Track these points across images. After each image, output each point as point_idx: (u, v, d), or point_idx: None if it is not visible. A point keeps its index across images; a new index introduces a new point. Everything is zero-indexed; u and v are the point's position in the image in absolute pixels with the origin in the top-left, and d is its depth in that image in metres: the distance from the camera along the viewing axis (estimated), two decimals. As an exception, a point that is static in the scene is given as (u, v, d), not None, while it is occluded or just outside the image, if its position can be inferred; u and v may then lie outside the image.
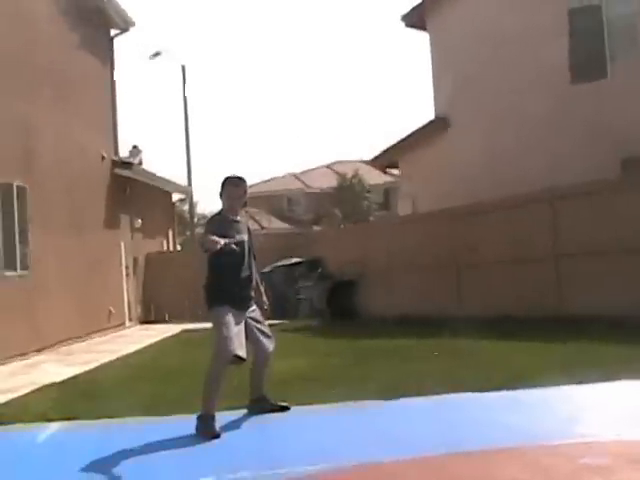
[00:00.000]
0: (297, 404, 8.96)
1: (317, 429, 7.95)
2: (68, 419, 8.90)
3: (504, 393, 9.22)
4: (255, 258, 8.52)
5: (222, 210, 8.37)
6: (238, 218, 8.38)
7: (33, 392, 11.22)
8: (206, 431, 7.60)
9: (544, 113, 21.30)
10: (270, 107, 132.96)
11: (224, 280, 8.00)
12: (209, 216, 9.36)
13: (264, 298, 8.70)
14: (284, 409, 8.67)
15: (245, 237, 8.30)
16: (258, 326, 8.38)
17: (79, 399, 10.29)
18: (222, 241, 7.53)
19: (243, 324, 8.06)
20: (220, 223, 8.13)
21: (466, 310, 19.68)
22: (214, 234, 7.74)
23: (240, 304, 8.12)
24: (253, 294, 8.42)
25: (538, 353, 12.18)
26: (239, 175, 8.41)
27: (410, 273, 22.47)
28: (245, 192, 8.46)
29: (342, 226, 50.63)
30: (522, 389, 9.32)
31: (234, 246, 7.65)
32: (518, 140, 22.01)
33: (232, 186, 8.28)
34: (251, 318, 8.28)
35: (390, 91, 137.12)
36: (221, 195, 8.33)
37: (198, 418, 7.75)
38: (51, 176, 18.70)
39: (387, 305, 22.81)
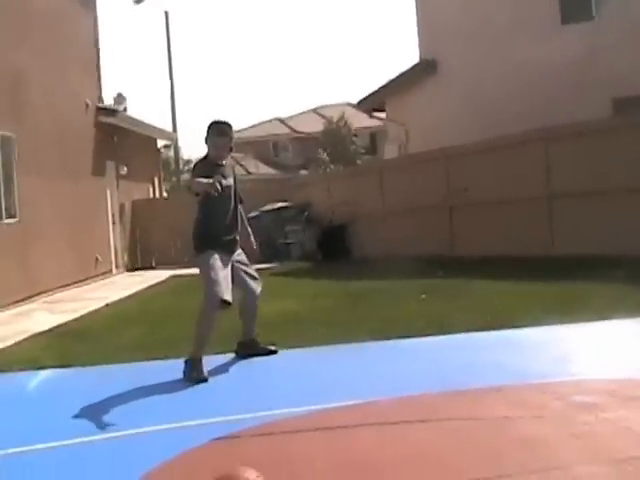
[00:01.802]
0: (288, 345, 9.00)
1: (306, 371, 7.96)
2: (59, 366, 8.90)
3: (495, 333, 9.24)
4: (242, 201, 8.48)
5: (207, 155, 8.31)
6: (223, 162, 8.32)
7: (24, 340, 11.22)
8: (194, 375, 7.61)
9: (534, 55, 21.21)
10: (255, 51, 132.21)
11: (210, 225, 7.97)
12: (194, 161, 9.30)
13: (252, 239, 8.67)
14: (272, 352, 8.69)
15: (231, 181, 8.25)
16: (245, 269, 8.37)
17: (70, 346, 10.29)
18: (210, 181, 7.48)
19: (230, 268, 8.05)
20: (206, 168, 8.08)
21: (458, 251, 19.75)
22: (199, 176, 7.75)
23: (226, 248, 8.10)
24: (239, 238, 8.39)
25: (529, 293, 12.20)
26: (225, 121, 8.30)
27: (401, 214, 22.49)
28: (231, 139, 8.39)
29: (330, 170, 50.52)
30: (513, 329, 9.34)
31: (219, 186, 7.58)
32: (508, 82, 21.94)
33: (218, 136, 8.19)
34: (237, 262, 8.27)
35: (376, 33, 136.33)
36: (207, 141, 8.25)
37: (186, 362, 7.76)
38: (40, 123, 18.56)
39: (378, 246, 22.87)
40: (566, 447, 4.86)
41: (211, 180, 7.51)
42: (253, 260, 8.63)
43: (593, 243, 16.03)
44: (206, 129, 8.24)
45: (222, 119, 8.31)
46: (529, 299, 11.62)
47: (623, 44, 19.82)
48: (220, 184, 7.51)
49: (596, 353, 7.96)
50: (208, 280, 7.84)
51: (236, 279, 8.21)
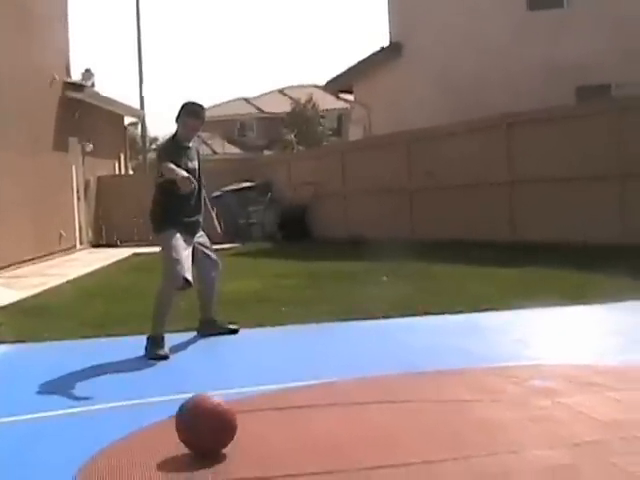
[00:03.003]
0: (249, 324, 9.03)
1: (267, 350, 8.00)
2: (18, 342, 8.86)
3: (456, 316, 9.32)
4: (204, 185, 8.47)
5: (175, 135, 8.31)
6: (190, 145, 8.31)
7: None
8: (155, 352, 7.63)
9: (501, 40, 21.28)
10: (223, 30, 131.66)
11: (174, 206, 7.94)
12: (161, 140, 9.28)
13: (215, 222, 8.69)
14: (233, 332, 8.72)
15: (196, 164, 8.28)
16: (205, 251, 8.41)
17: (29, 322, 10.23)
18: (182, 174, 7.50)
19: (191, 248, 8.06)
20: (173, 149, 8.08)
21: (419, 234, 19.82)
22: (169, 159, 7.77)
23: (189, 229, 8.11)
24: (202, 220, 8.39)
25: (490, 278, 12.27)
26: (199, 103, 8.33)
27: (364, 197, 22.52)
28: (203, 122, 8.40)
29: (295, 150, 50.48)
30: (474, 312, 9.41)
31: (194, 182, 7.62)
32: (475, 66, 21.98)
33: (191, 117, 8.20)
34: (199, 243, 8.29)
35: (346, 15, 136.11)
36: (177, 120, 8.24)
37: (148, 339, 7.77)
38: (3, 94, 18.36)
39: (340, 228, 22.95)
40: (523, 431, 4.91)
41: (186, 174, 7.53)
42: (216, 240, 8.65)
43: (554, 229, 16.17)
44: (179, 108, 8.22)
45: (196, 101, 8.32)
46: (490, 283, 11.69)
47: (589, 33, 19.94)
48: (191, 182, 7.53)
49: (557, 338, 8.04)
50: (170, 259, 7.85)
51: (196, 260, 8.23)
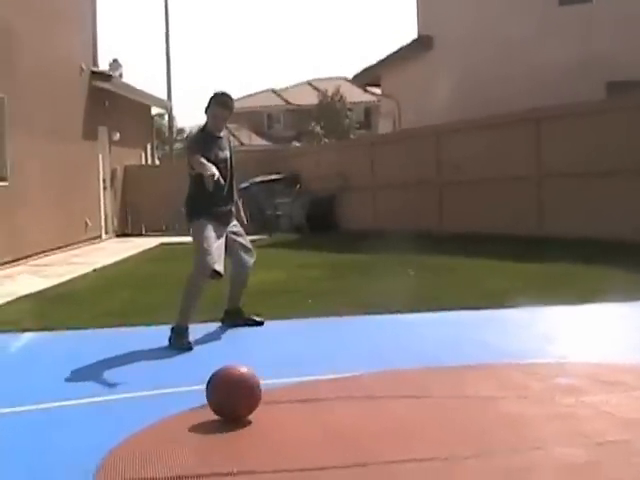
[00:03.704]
0: (274, 316, 9.03)
1: (290, 343, 7.98)
2: (43, 329, 8.90)
3: (481, 311, 9.28)
4: (235, 174, 8.48)
5: (205, 126, 8.33)
6: (221, 134, 8.33)
7: (9, 303, 11.19)
8: (179, 343, 7.63)
9: (530, 34, 21.17)
10: (252, 22, 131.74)
11: (206, 195, 7.93)
12: (188, 130, 9.33)
13: (242, 214, 8.69)
14: (258, 324, 8.72)
15: (227, 153, 8.29)
16: (239, 240, 8.40)
17: (55, 310, 10.28)
18: (212, 170, 7.51)
19: (223, 239, 8.07)
20: (204, 140, 8.10)
21: (447, 227, 19.80)
22: (199, 151, 7.80)
23: (222, 219, 8.12)
24: (234, 210, 8.40)
25: (516, 273, 12.22)
26: (228, 94, 8.35)
27: (392, 190, 22.50)
28: (231, 112, 8.42)
29: (323, 142, 50.45)
30: (500, 308, 9.37)
31: (219, 178, 7.63)
32: (504, 61, 21.90)
33: (220, 107, 8.22)
34: (232, 232, 8.30)
35: (375, 8, 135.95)
36: (207, 111, 8.26)
37: (172, 329, 7.77)
38: (32, 85, 18.41)
39: (368, 221, 22.95)
40: (546, 428, 4.88)
41: (214, 170, 7.56)
42: (245, 232, 8.65)
43: (582, 225, 16.07)
44: (209, 99, 8.24)
45: (226, 91, 8.33)
46: (517, 278, 11.64)
47: (619, 29, 19.81)
48: (217, 180, 7.53)
49: (581, 336, 7.99)
50: (200, 249, 7.86)
51: (229, 250, 8.25)
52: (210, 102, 8.22)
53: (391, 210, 22.22)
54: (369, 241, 18.28)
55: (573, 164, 16.69)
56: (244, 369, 5.29)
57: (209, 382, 5.19)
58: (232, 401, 5.12)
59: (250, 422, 5.09)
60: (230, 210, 8.33)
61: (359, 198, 24.03)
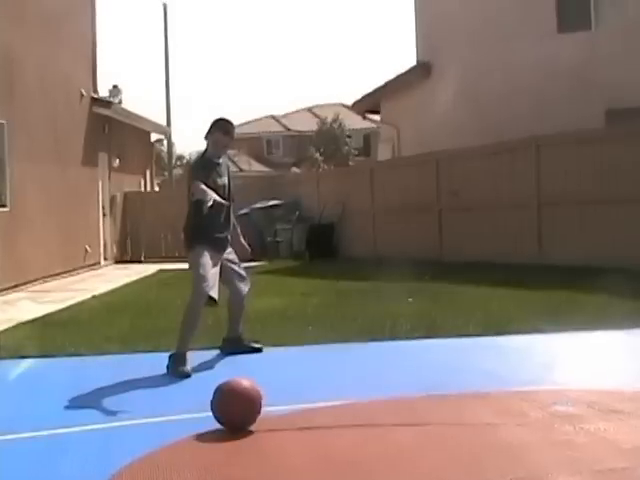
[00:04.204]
0: (274, 342, 9.04)
1: (290, 370, 7.98)
2: (43, 356, 8.90)
3: (481, 339, 9.28)
4: (233, 200, 8.51)
5: (206, 152, 8.37)
6: (220, 161, 8.36)
7: (9, 329, 11.19)
8: (178, 370, 7.63)
9: (530, 61, 21.26)
10: (251, 48, 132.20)
11: (204, 222, 7.96)
12: (187, 157, 9.37)
13: (242, 240, 8.71)
14: (256, 350, 8.72)
15: (225, 180, 8.33)
16: (234, 267, 8.43)
17: (55, 336, 10.25)
18: (213, 197, 7.55)
19: (219, 266, 8.09)
20: (204, 167, 8.14)
21: (446, 254, 19.80)
22: (201, 178, 7.84)
23: (218, 246, 8.16)
24: (230, 237, 8.43)
25: (516, 300, 12.21)
26: (229, 120, 8.38)
27: (391, 216, 22.48)
28: (232, 139, 8.46)
29: (321, 169, 50.53)
30: (498, 335, 9.38)
31: (221, 200, 7.68)
32: (503, 88, 21.95)
33: (222, 133, 8.26)
34: (228, 260, 8.33)
35: (373, 35, 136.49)
36: (207, 136, 8.30)
37: (170, 357, 7.78)
38: (33, 111, 18.47)
39: (367, 248, 22.92)
40: (545, 456, 4.89)
41: (215, 196, 7.64)
42: (243, 258, 8.67)
43: (582, 252, 16.07)
44: (210, 125, 8.28)
45: (227, 118, 8.37)
46: (516, 306, 11.63)
47: (618, 56, 19.89)
48: (218, 206, 7.59)
49: (580, 363, 8.00)
50: (197, 276, 7.90)
51: (225, 277, 8.29)
52: (211, 128, 8.27)
53: (391, 237, 22.22)
54: (369, 268, 18.30)
55: (573, 191, 16.70)
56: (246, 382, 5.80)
57: (216, 391, 5.66)
58: (239, 406, 5.60)
59: (250, 447, 5.10)
60: (227, 237, 8.37)
61: (359, 225, 24.00)
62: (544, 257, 17.21)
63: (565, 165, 17.03)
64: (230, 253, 8.43)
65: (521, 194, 18.13)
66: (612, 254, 15.34)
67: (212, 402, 5.62)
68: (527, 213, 17.99)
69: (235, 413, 5.58)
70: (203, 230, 8.04)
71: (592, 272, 14.26)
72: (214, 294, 7.87)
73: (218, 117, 8.36)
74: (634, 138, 15.92)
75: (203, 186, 7.70)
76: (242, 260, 8.69)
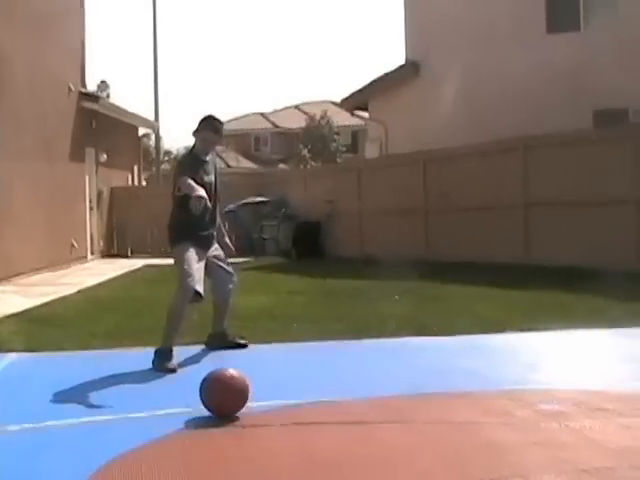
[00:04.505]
0: (259, 340, 9.02)
1: (275, 367, 7.95)
2: (27, 350, 8.87)
3: (466, 338, 9.29)
4: (219, 199, 8.49)
5: (194, 148, 8.34)
6: (208, 158, 8.33)
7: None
8: (163, 365, 7.60)
9: (518, 62, 21.29)
10: (240, 45, 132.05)
11: (190, 218, 7.93)
12: (175, 152, 9.34)
13: (227, 239, 8.69)
14: (242, 346, 8.70)
15: (212, 178, 8.30)
16: (220, 264, 8.41)
17: (39, 331, 10.24)
18: (198, 193, 7.51)
19: (204, 262, 8.07)
20: (191, 164, 8.11)
21: (433, 255, 19.80)
22: (188, 173, 7.83)
23: (204, 243, 8.14)
24: (216, 234, 8.41)
25: (502, 300, 12.23)
26: (219, 119, 8.35)
27: (379, 215, 22.46)
28: (221, 138, 8.45)
29: (309, 166, 50.52)
30: (485, 334, 9.39)
31: (203, 203, 7.63)
32: (491, 88, 22.00)
33: (211, 131, 8.22)
34: (214, 256, 8.30)
35: (362, 33, 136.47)
36: (196, 133, 8.27)
37: (156, 352, 7.75)
38: (21, 104, 18.43)
39: (355, 247, 22.92)
40: (530, 455, 4.89)
41: (203, 193, 7.56)
42: (228, 255, 8.64)
43: (569, 253, 16.11)
44: (199, 122, 8.25)
45: (217, 116, 8.33)
46: (502, 305, 11.66)
47: (607, 57, 19.93)
48: (206, 204, 7.55)
49: (566, 363, 8.00)
50: (182, 272, 7.87)
51: (210, 273, 8.26)
52: (200, 125, 8.23)
53: (378, 236, 22.21)
54: (356, 267, 18.31)
55: (560, 192, 16.73)
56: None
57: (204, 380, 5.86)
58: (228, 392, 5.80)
59: (235, 443, 5.08)
60: (212, 234, 8.34)
61: (346, 223, 23.97)
62: (532, 257, 17.25)
63: (552, 166, 17.07)
64: (216, 249, 8.40)
65: (508, 194, 18.16)
66: (598, 255, 15.38)
67: (202, 385, 5.83)
68: (514, 213, 18.02)
69: (225, 393, 5.80)
70: (188, 228, 8.00)
71: (578, 273, 14.31)
72: (199, 289, 7.84)
73: (207, 114, 8.32)
74: (622, 140, 15.95)
75: (190, 181, 7.67)
76: (228, 257, 8.67)
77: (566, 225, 16.62)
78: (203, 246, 8.12)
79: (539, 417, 5.75)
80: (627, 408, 5.98)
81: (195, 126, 8.29)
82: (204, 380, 5.85)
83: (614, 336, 9.24)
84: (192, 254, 7.92)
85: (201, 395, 5.79)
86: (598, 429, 5.38)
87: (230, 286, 8.54)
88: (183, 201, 7.86)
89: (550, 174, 17.09)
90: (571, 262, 15.58)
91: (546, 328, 9.47)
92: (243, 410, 5.83)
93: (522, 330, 9.48)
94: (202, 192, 7.57)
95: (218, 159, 51.22)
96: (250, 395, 5.84)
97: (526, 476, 4.50)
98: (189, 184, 7.64)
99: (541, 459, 4.80)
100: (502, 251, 17.95)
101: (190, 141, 9.89)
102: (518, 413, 5.87)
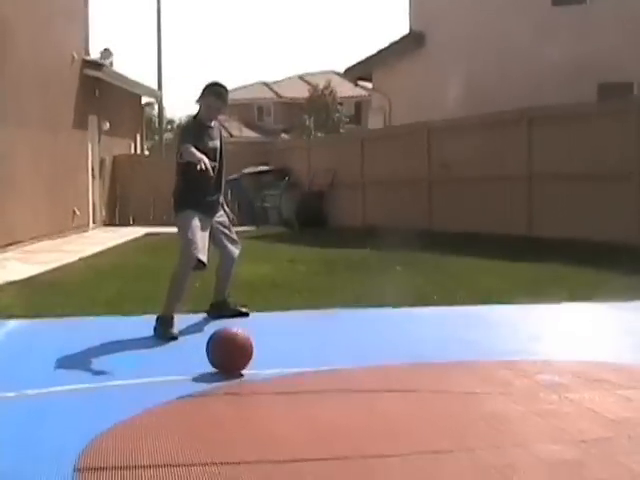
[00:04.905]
0: (261, 308, 9.02)
1: (276, 335, 7.94)
2: (29, 316, 8.88)
3: (467, 308, 9.30)
4: (224, 165, 8.46)
5: (198, 115, 8.28)
6: (212, 124, 8.29)
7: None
8: (164, 332, 7.61)
9: (524, 34, 21.19)
10: (244, 14, 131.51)
11: (193, 186, 7.91)
12: (177, 121, 9.29)
13: (226, 208, 8.66)
14: (243, 315, 8.69)
15: (217, 143, 8.25)
16: (225, 231, 8.37)
17: (41, 297, 10.25)
18: (203, 160, 7.48)
19: (208, 230, 8.05)
20: (195, 130, 8.06)
21: (436, 225, 19.80)
22: (190, 140, 7.77)
23: (208, 209, 8.10)
24: (221, 199, 8.39)
25: (503, 272, 12.23)
26: (223, 85, 8.24)
27: (382, 186, 22.45)
28: (226, 104, 8.37)
29: (312, 136, 50.40)
30: (486, 305, 9.39)
31: (210, 169, 7.59)
32: (496, 59, 21.93)
33: (215, 97, 8.13)
34: (219, 223, 8.27)
35: (367, 2, 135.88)
36: (200, 100, 8.23)
37: (157, 319, 7.75)
38: (24, 72, 18.36)
39: (357, 217, 22.92)
40: (529, 425, 4.90)
41: (205, 159, 7.51)
42: (231, 224, 8.63)
43: (571, 226, 16.09)
44: (203, 88, 8.18)
45: (221, 82, 8.26)
46: (503, 277, 11.66)
47: (612, 30, 19.84)
48: (207, 169, 7.50)
49: (566, 335, 8.00)
50: (185, 239, 7.84)
51: (215, 240, 8.24)
52: (204, 91, 8.17)
53: (381, 207, 22.21)
54: (358, 237, 18.30)
55: (563, 165, 16.69)
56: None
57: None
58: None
59: (234, 410, 5.10)
60: (217, 200, 8.31)
61: (349, 194, 23.97)
62: (534, 230, 17.23)
63: (556, 139, 17.02)
64: (221, 216, 8.36)
65: (512, 167, 18.12)
66: (601, 229, 15.35)
67: (209, 341, 6.22)
68: (518, 186, 17.98)
69: (232, 345, 6.17)
70: (192, 193, 7.98)
71: (582, 246, 14.29)
72: (203, 257, 7.82)
73: (212, 81, 8.27)
74: (626, 113, 15.89)
75: (193, 148, 7.64)
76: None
77: (569, 198, 16.59)
78: (208, 212, 8.08)
79: (539, 387, 5.76)
80: (626, 380, 6.00)
81: (198, 94, 8.26)
82: (212, 335, 6.24)
83: (615, 309, 9.24)
84: (196, 222, 7.88)
85: (208, 346, 6.11)
86: (597, 400, 5.40)
87: (235, 254, 8.51)
88: (186, 168, 7.84)
89: (554, 147, 17.04)
90: (574, 235, 15.56)
91: (546, 300, 9.46)
92: (244, 377, 5.85)
93: (522, 302, 9.47)
94: (204, 159, 7.53)
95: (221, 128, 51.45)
96: (253, 354, 6.08)
97: (524, 445, 4.52)
98: (191, 151, 7.60)
99: (540, 429, 4.82)
100: (505, 223, 17.93)
101: (193, 110, 9.88)
102: (518, 383, 5.89)
